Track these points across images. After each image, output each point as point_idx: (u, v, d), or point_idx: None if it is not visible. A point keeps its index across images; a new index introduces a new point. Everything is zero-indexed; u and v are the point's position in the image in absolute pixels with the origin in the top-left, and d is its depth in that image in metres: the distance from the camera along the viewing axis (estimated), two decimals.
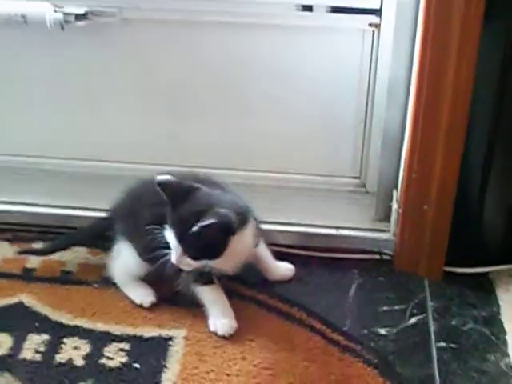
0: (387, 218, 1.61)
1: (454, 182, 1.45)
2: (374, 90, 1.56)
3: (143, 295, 1.42)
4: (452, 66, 1.33)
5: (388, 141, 1.55)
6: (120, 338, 1.35)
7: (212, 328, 1.35)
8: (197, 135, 1.67)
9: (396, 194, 1.56)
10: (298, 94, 1.60)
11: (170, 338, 1.35)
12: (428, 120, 1.40)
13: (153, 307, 1.43)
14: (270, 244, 1.50)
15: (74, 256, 1.59)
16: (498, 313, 1.47)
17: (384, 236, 1.61)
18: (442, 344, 1.38)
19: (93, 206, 1.65)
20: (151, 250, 1.34)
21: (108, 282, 1.49)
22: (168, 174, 1.34)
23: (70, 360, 1.29)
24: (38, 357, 1.29)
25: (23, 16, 1.51)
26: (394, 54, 1.46)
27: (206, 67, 1.60)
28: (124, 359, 1.30)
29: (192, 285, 1.38)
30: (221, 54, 1.58)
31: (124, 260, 1.44)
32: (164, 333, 1.37)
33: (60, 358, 1.30)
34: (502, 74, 1.39)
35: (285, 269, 1.51)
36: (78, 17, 1.52)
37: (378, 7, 1.47)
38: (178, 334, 1.36)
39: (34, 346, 1.32)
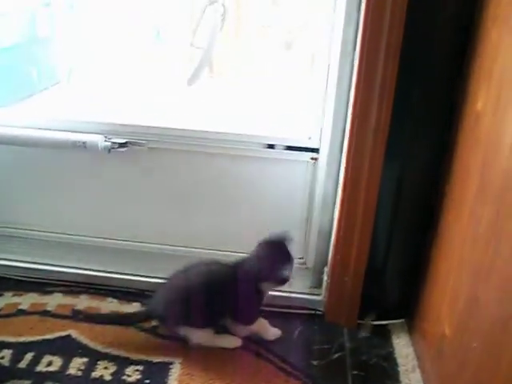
0: (320, 286, 1.69)
1: (365, 261, 1.55)
2: (314, 200, 1.65)
3: (232, 340, 1.49)
4: (363, 188, 1.46)
5: (321, 234, 1.65)
6: (136, 362, 1.43)
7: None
8: (194, 225, 1.76)
9: (326, 270, 1.65)
10: (261, 202, 1.69)
11: (171, 363, 1.44)
12: (347, 221, 1.51)
13: (159, 344, 1.51)
14: None
15: (108, 304, 1.67)
16: (393, 352, 1.55)
17: (317, 298, 1.68)
18: (355, 372, 1.47)
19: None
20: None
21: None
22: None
23: (102, 376, 1.38)
24: (80, 373, 1.39)
25: (84, 143, 1.64)
26: (326, 177, 1.59)
27: (203, 181, 1.70)
28: (139, 377, 1.39)
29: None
30: (212, 173, 1.69)
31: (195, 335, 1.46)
32: (167, 359, 1.45)
33: (95, 374, 1.39)
34: (396, 194, 1.54)
35: (275, 331, 1.54)
36: (121, 145, 1.66)
37: (317, 147, 1.60)
38: (176, 360, 1.45)
39: (77, 365, 1.41)
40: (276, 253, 1.43)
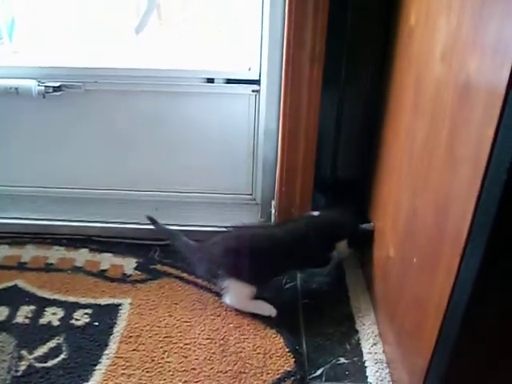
0: (269, 220, 1.69)
1: (310, 192, 1.57)
2: (258, 134, 1.64)
3: (268, 308, 1.41)
4: (303, 117, 1.47)
5: (267, 168, 1.64)
6: (85, 306, 1.43)
7: None
8: (136, 165, 1.74)
9: (273, 203, 1.66)
10: (206, 139, 1.67)
11: (120, 305, 1.44)
12: (290, 152, 1.52)
13: (108, 286, 1.49)
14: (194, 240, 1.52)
15: (55, 252, 1.63)
16: (344, 279, 1.58)
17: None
18: (306, 301, 1.49)
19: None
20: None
21: (77, 270, 1.56)
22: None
23: (49, 322, 1.37)
24: (27, 321, 1.37)
25: (16, 89, 1.58)
26: (267, 109, 1.56)
27: (143, 122, 1.67)
28: (87, 320, 1.38)
29: None
30: (152, 113, 1.65)
31: (239, 289, 1.40)
32: (116, 301, 1.45)
33: (42, 321, 1.37)
34: (336, 120, 1.53)
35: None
36: (55, 89, 1.60)
37: (258, 78, 1.56)
38: (126, 302, 1.45)
39: (24, 313, 1.39)
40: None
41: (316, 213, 1.51)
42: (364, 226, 1.45)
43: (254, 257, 1.34)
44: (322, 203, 1.58)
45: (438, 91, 1.01)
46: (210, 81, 1.59)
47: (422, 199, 1.08)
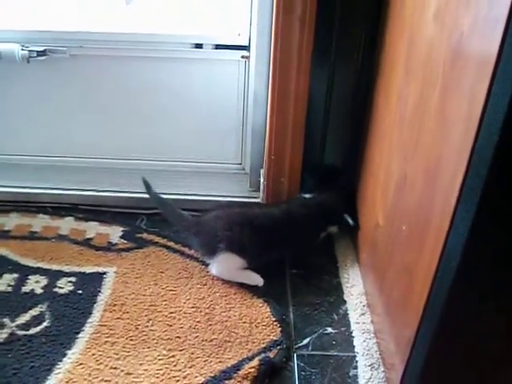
0: (258, 189, 1.66)
1: (300, 160, 1.54)
2: (247, 101, 1.60)
3: (256, 277, 1.39)
4: (293, 83, 1.43)
5: (256, 135, 1.61)
6: (69, 274, 1.40)
7: None
8: (122, 133, 1.71)
9: (262, 172, 1.62)
10: (195, 107, 1.64)
11: (105, 273, 1.41)
12: (279, 119, 1.48)
13: (93, 255, 1.47)
14: (181, 209, 1.52)
15: (39, 220, 1.60)
16: (333, 250, 1.56)
17: (256, 200, 1.66)
18: (294, 271, 1.47)
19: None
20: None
21: (62, 238, 1.53)
22: None
23: (32, 290, 1.34)
24: (9, 289, 1.35)
25: None
26: (256, 76, 1.52)
27: (130, 88, 1.63)
28: (71, 288, 1.36)
29: None
30: (139, 79, 1.62)
31: (232, 262, 1.39)
32: (100, 269, 1.43)
33: (25, 289, 1.35)
34: (327, 87, 1.50)
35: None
36: (39, 53, 1.56)
37: (247, 44, 1.53)
38: (111, 270, 1.43)
39: (6, 282, 1.37)
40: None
41: (308, 195, 1.50)
42: (347, 217, 1.46)
43: (256, 233, 1.36)
44: (311, 183, 1.56)
45: (431, 52, 0.97)
46: (199, 46, 1.56)
47: (413, 165, 1.05)
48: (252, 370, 1.15)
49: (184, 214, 1.46)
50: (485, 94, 0.72)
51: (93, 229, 1.57)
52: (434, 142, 0.94)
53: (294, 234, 1.41)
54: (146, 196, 1.51)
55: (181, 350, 1.20)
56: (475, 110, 0.74)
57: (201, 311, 1.30)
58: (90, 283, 1.37)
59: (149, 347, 1.20)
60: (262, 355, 1.19)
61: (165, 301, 1.32)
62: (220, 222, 1.38)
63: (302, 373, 1.17)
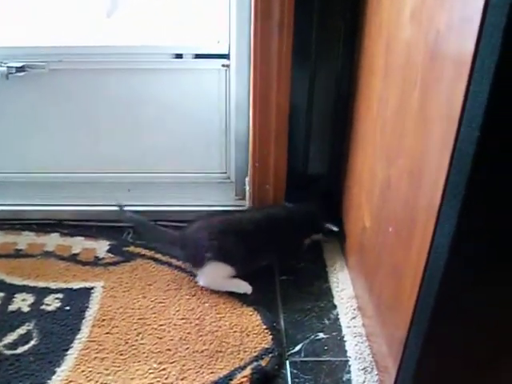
0: (244, 197, 1.65)
1: (285, 167, 1.53)
2: (229, 110, 1.60)
3: (244, 285, 1.39)
4: (274, 89, 1.43)
5: (240, 144, 1.60)
6: (56, 291, 1.38)
7: None
8: (105, 146, 1.69)
9: (247, 180, 1.62)
10: (177, 117, 1.63)
11: (92, 288, 1.39)
12: (262, 126, 1.49)
13: (80, 270, 1.45)
14: (168, 220, 1.54)
15: (24, 238, 1.58)
16: (322, 255, 1.55)
17: (242, 208, 1.64)
18: (283, 278, 1.47)
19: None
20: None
21: (48, 255, 1.50)
22: None
23: (19, 308, 1.32)
24: None
25: None
26: (237, 83, 1.52)
27: (111, 101, 1.62)
28: (59, 304, 1.34)
29: None
30: (120, 92, 1.60)
31: (220, 270, 1.38)
32: (88, 285, 1.41)
33: (12, 307, 1.33)
34: (309, 93, 1.51)
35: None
36: (18, 69, 1.54)
37: (227, 52, 1.53)
38: (98, 285, 1.41)
39: None
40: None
41: (290, 205, 1.51)
42: (329, 225, 1.47)
43: (240, 238, 1.36)
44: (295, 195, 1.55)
45: (409, 53, 0.98)
46: (179, 56, 1.55)
47: (396, 167, 1.06)
48: (244, 379, 1.14)
49: (165, 229, 1.46)
50: (463, 91, 0.72)
51: (79, 244, 1.55)
52: (416, 143, 0.94)
53: (277, 236, 1.40)
54: (131, 209, 1.49)
55: (172, 363, 1.18)
56: (455, 106, 0.74)
57: (191, 322, 1.28)
58: (78, 299, 1.35)
59: (139, 361, 1.18)
60: (254, 364, 1.17)
61: (154, 313, 1.31)
62: (204, 232, 1.37)
63: (295, 380, 1.16)
